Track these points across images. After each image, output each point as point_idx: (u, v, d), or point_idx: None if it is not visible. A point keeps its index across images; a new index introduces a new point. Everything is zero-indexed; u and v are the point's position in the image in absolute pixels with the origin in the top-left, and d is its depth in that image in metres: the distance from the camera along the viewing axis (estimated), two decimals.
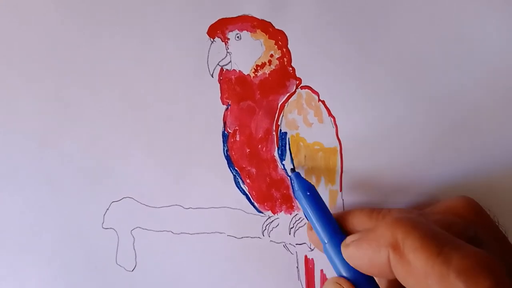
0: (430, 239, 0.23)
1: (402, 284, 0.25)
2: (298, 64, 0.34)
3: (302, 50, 0.34)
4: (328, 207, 0.33)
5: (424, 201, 0.33)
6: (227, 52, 0.34)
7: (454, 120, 0.34)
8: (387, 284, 0.30)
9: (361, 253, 0.27)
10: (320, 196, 0.31)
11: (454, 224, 0.26)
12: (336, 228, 0.30)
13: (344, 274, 0.29)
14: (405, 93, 0.34)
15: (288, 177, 0.34)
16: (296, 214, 0.34)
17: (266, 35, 0.34)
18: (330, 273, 0.34)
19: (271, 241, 0.34)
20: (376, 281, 0.28)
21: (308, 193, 0.31)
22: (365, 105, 0.34)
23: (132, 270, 0.34)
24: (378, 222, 0.29)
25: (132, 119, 0.34)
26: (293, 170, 0.33)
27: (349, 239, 0.28)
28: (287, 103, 0.34)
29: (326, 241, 0.30)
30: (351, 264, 0.28)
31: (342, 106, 0.34)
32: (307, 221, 0.33)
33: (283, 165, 0.34)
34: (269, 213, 0.34)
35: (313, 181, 0.34)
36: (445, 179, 0.34)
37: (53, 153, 0.35)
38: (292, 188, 0.33)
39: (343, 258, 0.28)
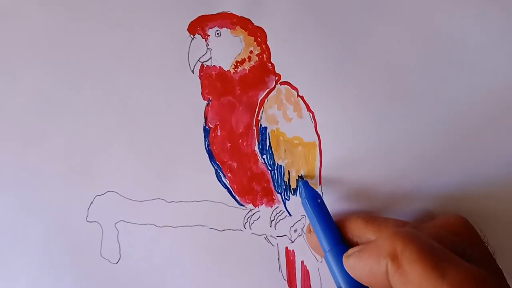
0: (428, 253, 0.25)
1: None
2: (277, 60, 0.35)
3: (281, 46, 0.35)
4: None
5: (418, 215, 0.34)
6: (207, 48, 0.35)
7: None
8: None
9: (362, 264, 0.28)
10: (325, 205, 0.32)
11: (445, 239, 0.27)
12: (338, 237, 0.31)
13: (342, 284, 0.30)
14: (383, 88, 0.34)
15: (269, 171, 0.35)
16: (277, 207, 0.35)
17: (246, 31, 0.35)
18: (311, 265, 0.35)
19: (252, 233, 0.35)
20: None
21: (318, 201, 0.32)
22: (343, 100, 0.35)
23: (117, 263, 0.35)
24: (374, 230, 0.30)
25: (114, 114, 0.35)
26: (301, 178, 0.34)
27: (351, 250, 0.29)
28: (267, 99, 0.35)
29: (327, 249, 0.31)
30: (351, 275, 0.29)
31: (321, 101, 0.35)
32: (306, 224, 0.34)
33: (264, 159, 0.35)
34: (251, 206, 0.35)
35: (293, 174, 0.35)
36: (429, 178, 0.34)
37: (37, 150, 0.35)
38: (300, 195, 0.34)
39: (343, 267, 0.30)
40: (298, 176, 0.34)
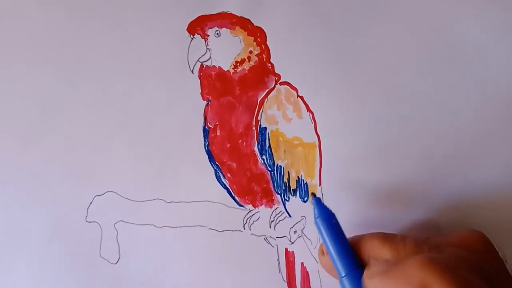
0: (459, 286, 0.24)
1: None
2: (277, 60, 0.35)
3: (281, 46, 0.35)
4: (308, 202, 0.34)
5: (430, 228, 0.34)
6: (207, 48, 0.35)
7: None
8: None
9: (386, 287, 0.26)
10: (339, 225, 0.30)
11: (466, 260, 0.27)
12: (355, 260, 0.29)
13: None
14: (383, 88, 0.34)
15: (269, 172, 0.35)
16: (277, 208, 0.35)
17: (245, 31, 0.35)
18: (311, 266, 0.35)
19: (252, 234, 0.35)
20: None
21: (329, 223, 0.30)
22: (343, 100, 0.34)
23: (116, 263, 0.35)
24: (391, 250, 0.28)
25: (114, 114, 0.35)
26: (313, 195, 0.32)
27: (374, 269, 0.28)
28: (266, 99, 0.35)
29: (343, 274, 0.29)
30: None
31: (321, 102, 0.35)
32: (320, 244, 0.32)
33: (263, 159, 0.35)
34: (250, 206, 0.35)
35: (292, 175, 0.35)
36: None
37: (36, 150, 0.35)
38: (314, 215, 0.31)
39: None
40: (311, 193, 0.33)
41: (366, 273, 0.28)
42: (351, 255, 0.29)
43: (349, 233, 0.33)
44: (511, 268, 0.30)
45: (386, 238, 0.29)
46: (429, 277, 0.24)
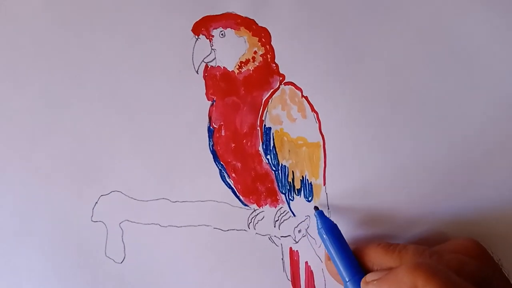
0: None
1: None
2: (282, 60, 0.35)
3: (285, 46, 0.35)
4: (313, 201, 0.34)
5: (430, 235, 0.34)
6: (212, 49, 0.35)
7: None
8: None
9: None
10: (341, 234, 0.32)
11: (468, 265, 0.28)
12: (357, 266, 0.31)
13: None
14: (387, 88, 0.34)
15: (273, 172, 0.35)
16: (281, 207, 0.35)
17: (250, 32, 0.35)
18: (315, 265, 0.35)
19: (256, 233, 0.35)
20: None
21: (332, 233, 0.32)
22: (347, 101, 0.35)
23: (121, 262, 0.35)
24: (394, 258, 0.30)
25: (119, 115, 0.35)
26: (316, 208, 0.34)
27: (369, 277, 0.30)
28: (271, 99, 0.35)
29: (347, 280, 0.31)
30: None
31: (325, 102, 0.35)
32: (325, 252, 0.34)
33: (268, 159, 0.35)
34: (255, 206, 0.35)
35: (297, 175, 0.35)
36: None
37: (42, 150, 0.35)
38: (317, 226, 0.33)
39: None
40: (314, 207, 0.34)
41: (363, 280, 0.30)
42: (353, 261, 0.31)
43: (353, 232, 0.34)
44: (507, 272, 0.31)
45: (389, 247, 0.31)
46: (421, 280, 0.26)
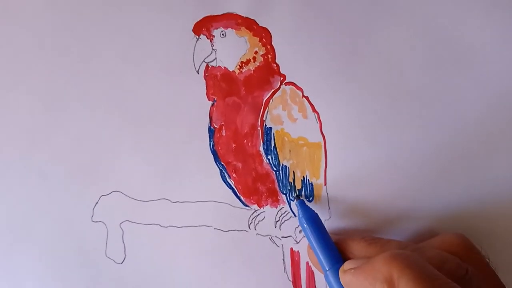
0: (424, 281, 0.25)
1: None
2: (282, 60, 0.35)
3: (286, 47, 0.35)
4: (314, 201, 0.34)
5: (419, 232, 0.34)
6: (213, 49, 0.35)
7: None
8: None
9: (358, 283, 0.28)
10: (323, 224, 0.32)
11: (448, 262, 0.28)
12: (337, 256, 0.31)
13: None
14: (388, 88, 0.34)
15: (274, 172, 0.35)
16: (282, 208, 0.35)
17: (251, 32, 0.35)
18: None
19: (257, 234, 0.35)
20: None
21: (313, 222, 0.32)
22: (348, 101, 0.35)
23: (122, 263, 0.35)
24: (377, 251, 0.30)
25: (120, 115, 0.35)
26: (298, 197, 0.34)
27: (346, 265, 0.30)
28: (271, 99, 0.35)
29: (327, 269, 0.31)
30: None
31: (326, 102, 0.35)
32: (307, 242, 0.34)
33: (268, 159, 0.35)
34: (255, 206, 0.35)
35: (298, 175, 0.35)
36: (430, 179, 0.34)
37: (43, 150, 0.35)
38: (298, 215, 0.34)
39: (343, 286, 0.30)
40: (295, 196, 0.34)
41: (341, 268, 0.30)
42: (334, 250, 0.31)
43: (355, 232, 0.34)
44: (495, 266, 0.31)
45: (372, 240, 0.31)
46: (396, 271, 0.25)
